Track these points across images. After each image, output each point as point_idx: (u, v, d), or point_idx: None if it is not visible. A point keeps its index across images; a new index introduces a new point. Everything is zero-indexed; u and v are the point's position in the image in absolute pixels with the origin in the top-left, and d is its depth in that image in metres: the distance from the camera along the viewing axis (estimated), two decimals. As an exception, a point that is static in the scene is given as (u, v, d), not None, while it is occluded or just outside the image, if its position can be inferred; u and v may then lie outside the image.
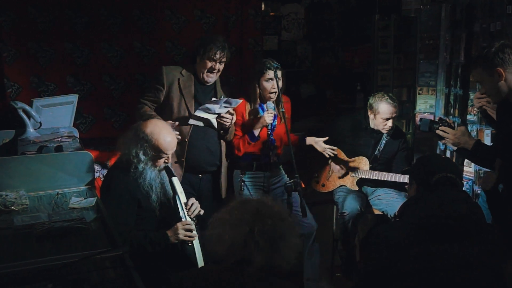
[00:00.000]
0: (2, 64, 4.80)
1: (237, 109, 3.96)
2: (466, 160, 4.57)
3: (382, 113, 4.29)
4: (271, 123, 3.96)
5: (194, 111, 3.81)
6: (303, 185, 3.65)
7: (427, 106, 5.09)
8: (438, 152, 4.91)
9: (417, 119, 5.16)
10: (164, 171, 3.24)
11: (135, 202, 3.10)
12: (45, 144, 3.43)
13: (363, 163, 4.43)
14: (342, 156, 4.53)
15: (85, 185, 3.20)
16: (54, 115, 4.10)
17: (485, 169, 4.27)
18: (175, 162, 3.83)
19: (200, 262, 3.15)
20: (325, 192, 4.60)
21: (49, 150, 3.30)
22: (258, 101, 4.01)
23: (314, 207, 4.36)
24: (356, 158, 4.47)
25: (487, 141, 4.24)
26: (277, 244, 1.98)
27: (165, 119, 3.71)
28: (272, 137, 4.01)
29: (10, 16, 4.75)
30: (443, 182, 2.46)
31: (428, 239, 2.28)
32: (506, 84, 2.94)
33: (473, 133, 4.33)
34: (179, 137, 3.72)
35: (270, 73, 3.92)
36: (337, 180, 4.54)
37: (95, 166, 3.51)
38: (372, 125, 4.43)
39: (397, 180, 4.26)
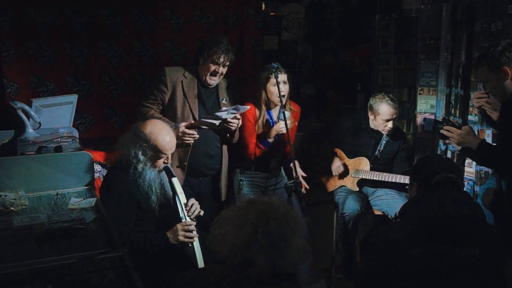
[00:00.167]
0: (1, 64, 4.79)
1: (246, 115, 3.97)
2: (467, 161, 4.57)
3: (382, 114, 4.28)
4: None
5: (198, 114, 3.80)
6: (303, 186, 3.64)
7: (428, 106, 5.08)
8: (439, 152, 4.90)
9: (418, 119, 5.15)
10: (164, 172, 3.23)
11: (135, 203, 3.10)
12: (45, 145, 3.42)
13: (363, 163, 4.43)
14: (343, 156, 4.52)
15: (85, 186, 3.19)
16: (54, 115, 4.09)
17: (485, 170, 4.27)
18: (177, 167, 3.82)
19: (200, 263, 3.14)
20: (325, 192, 4.60)
21: (48, 150, 3.30)
22: (265, 107, 4.00)
23: (314, 208, 4.36)
24: (357, 158, 4.47)
25: (488, 141, 4.23)
26: (280, 246, 1.97)
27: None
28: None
29: (9, 16, 4.74)
30: (444, 182, 2.46)
31: (429, 239, 2.28)
32: None
33: (474, 134, 4.32)
34: (193, 138, 3.71)
35: (277, 77, 3.91)
36: (337, 181, 4.53)
37: (94, 167, 3.50)
38: (372, 126, 4.42)
39: (397, 181, 4.25)
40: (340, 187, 4.51)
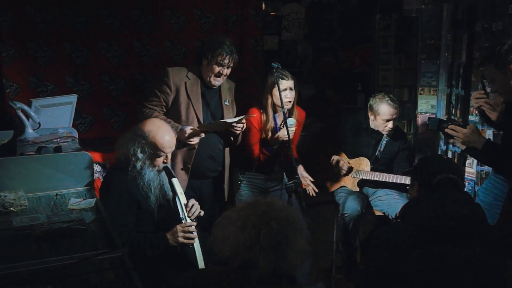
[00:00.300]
0: (1, 64, 4.78)
1: (251, 120, 3.99)
2: (468, 161, 4.56)
3: (382, 115, 4.28)
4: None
5: (202, 115, 3.78)
6: (303, 187, 3.64)
7: (428, 106, 5.07)
8: (439, 152, 4.90)
9: (418, 119, 5.14)
10: (163, 172, 3.22)
11: (134, 203, 3.09)
12: (44, 145, 3.42)
13: (364, 164, 4.42)
14: (343, 157, 4.51)
15: (84, 186, 3.19)
16: (53, 116, 4.08)
17: (486, 170, 4.26)
18: (181, 169, 3.81)
19: (201, 263, 3.14)
20: (325, 192, 4.59)
21: (48, 150, 3.29)
22: (271, 112, 4.00)
23: (315, 208, 4.35)
24: (357, 159, 4.46)
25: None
26: (282, 248, 1.97)
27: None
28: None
29: (9, 15, 4.73)
30: (445, 183, 2.47)
31: (430, 240, 2.28)
32: None
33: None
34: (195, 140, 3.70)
35: (284, 83, 3.94)
36: (338, 181, 4.53)
37: (94, 167, 3.49)
38: (372, 126, 4.42)
39: (398, 181, 4.25)
40: (340, 187, 4.51)
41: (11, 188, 2.94)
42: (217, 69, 3.72)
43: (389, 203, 4.30)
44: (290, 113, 4.05)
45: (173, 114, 3.79)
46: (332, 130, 4.73)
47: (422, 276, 2.25)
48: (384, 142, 4.46)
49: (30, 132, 3.72)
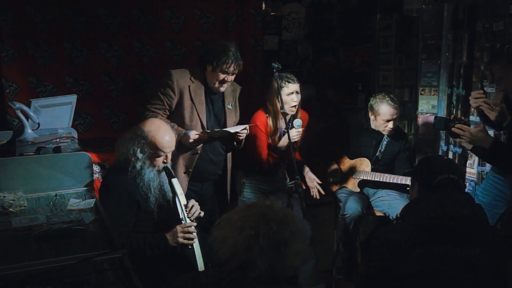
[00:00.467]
0: (0, 64, 4.77)
1: (257, 124, 3.99)
2: (468, 161, 4.56)
3: (382, 115, 4.27)
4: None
5: (206, 120, 3.76)
6: (303, 187, 3.62)
7: (429, 106, 5.06)
8: (440, 153, 4.89)
9: (419, 119, 5.14)
10: (163, 172, 3.21)
11: (134, 203, 3.08)
12: (44, 145, 3.41)
13: (364, 164, 4.41)
14: (345, 160, 4.51)
15: (84, 187, 3.17)
16: (53, 116, 4.08)
17: (487, 170, 4.26)
18: (184, 172, 3.80)
19: (200, 264, 3.13)
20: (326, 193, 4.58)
21: (47, 151, 3.28)
22: (279, 116, 3.99)
23: (315, 209, 4.34)
24: (358, 159, 4.45)
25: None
26: (281, 249, 1.97)
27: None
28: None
29: (9, 15, 4.73)
30: (446, 183, 2.45)
31: (430, 240, 2.27)
32: None
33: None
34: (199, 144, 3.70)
35: (290, 87, 3.94)
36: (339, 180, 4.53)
37: (93, 167, 3.48)
38: (373, 126, 4.41)
39: (399, 182, 4.24)
40: (341, 188, 4.50)
41: (10, 188, 2.93)
42: (221, 76, 3.67)
43: (390, 204, 4.29)
44: (294, 116, 4.04)
45: (176, 118, 3.75)
46: (332, 130, 4.71)
47: (422, 276, 2.24)
48: (385, 142, 4.45)
49: (29, 132, 3.71)
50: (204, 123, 3.76)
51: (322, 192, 4.16)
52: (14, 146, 3.51)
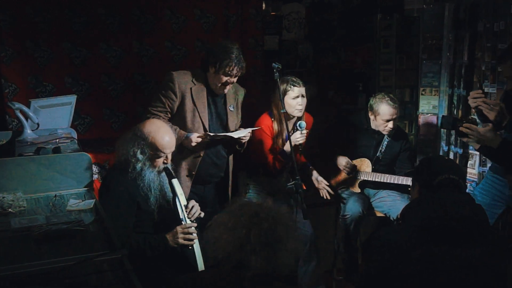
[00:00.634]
0: (-1, 65, 4.77)
1: (262, 128, 3.99)
2: (469, 162, 4.55)
3: (382, 115, 4.26)
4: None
5: (208, 123, 3.74)
6: (304, 187, 3.61)
7: (430, 107, 5.06)
8: (441, 153, 4.89)
9: (420, 119, 5.13)
10: (163, 173, 3.20)
11: (134, 204, 3.08)
12: (43, 146, 3.40)
13: (365, 165, 4.41)
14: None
15: (84, 187, 3.17)
16: (52, 116, 4.07)
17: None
18: (186, 176, 3.79)
19: (200, 264, 3.13)
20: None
21: (46, 151, 3.27)
22: (284, 120, 3.98)
23: (316, 209, 4.33)
24: (358, 159, 4.44)
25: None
26: (274, 247, 1.97)
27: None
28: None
29: (8, 15, 4.72)
30: (446, 183, 2.46)
31: (431, 240, 2.27)
32: None
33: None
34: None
35: (296, 90, 3.94)
36: (340, 179, 4.52)
37: (93, 168, 3.48)
38: (373, 126, 4.40)
39: (399, 182, 4.23)
40: (341, 188, 4.49)
41: (10, 189, 2.92)
42: (224, 79, 3.64)
43: (391, 205, 4.29)
44: (299, 118, 4.03)
45: (178, 120, 3.73)
46: (333, 131, 4.71)
47: (422, 276, 2.24)
48: (385, 142, 4.44)
49: (28, 132, 3.70)
50: (206, 126, 3.74)
51: (332, 192, 4.16)
52: (13, 147, 3.51)
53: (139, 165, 3.06)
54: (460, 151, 4.63)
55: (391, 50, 5.39)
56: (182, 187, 3.31)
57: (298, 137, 3.86)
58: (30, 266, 2.13)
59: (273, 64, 3.70)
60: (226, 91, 3.76)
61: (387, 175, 4.31)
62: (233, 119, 3.90)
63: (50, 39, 4.91)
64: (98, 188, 3.30)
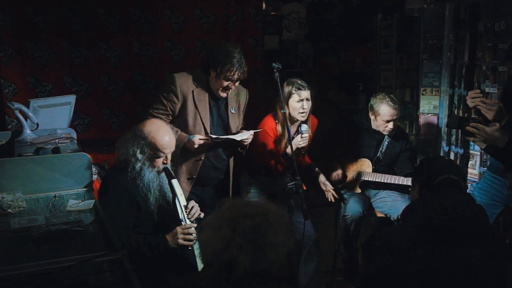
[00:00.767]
0: (-1, 65, 4.77)
1: (266, 130, 3.99)
2: (470, 162, 4.55)
3: (382, 115, 4.26)
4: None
5: (210, 126, 3.73)
6: (304, 188, 3.61)
7: (430, 107, 5.05)
8: (442, 153, 4.88)
9: (420, 119, 5.12)
10: (163, 173, 3.20)
11: (134, 204, 3.08)
12: (42, 146, 3.39)
13: (365, 165, 4.41)
14: (346, 164, 4.50)
15: (83, 187, 3.16)
16: (52, 116, 4.06)
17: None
18: (187, 179, 3.78)
19: (200, 265, 3.12)
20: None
21: (46, 151, 3.26)
22: (288, 123, 3.97)
23: (316, 210, 4.33)
24: (359, 160, 4.44)
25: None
26: (260, 244, 1.96)
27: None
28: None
29: (7, 15, 4.71)
30: (446, 184, 2.46)
31: (431, 241, 2.28)
32: None
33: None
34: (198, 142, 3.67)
35: (301, 93, 3.93)
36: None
37: (93, 168, 3.47)
38: (373, 126, 4.40)
39: (400, 183, 4.23)
40: (342, 189, 4.48)
41: (9, 189, 2.91)
42: (225, 83, 3.61)
43: (391, 205, 4.30)
44: (304, 121, 4.02)
45: (179, 123, 3.71)
46: (333, 131, 4.70)
47: (422, 276, 2.25)
48: (386, 143, 4.44)
49: (28, 133, 3.69)
50: (208, 128, 3.73)
51: (336, 196, 4.16)
52: (13, 147, 3.50)
53: (138, 164, 3.06)
54: (461, 151, 4.62)
55: (391, 50, 5.40)
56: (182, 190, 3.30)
57: (299, 141, 3.85)
58: (29, 266, 2.12)
59: (273, 64, 3.68)
60: (226, 95, 3.73)
61: (388, 175, 4.31)
62: (235, 121, 3.89)
63: (50, 39, 4.91)
64: (98, 188, 3.30)
